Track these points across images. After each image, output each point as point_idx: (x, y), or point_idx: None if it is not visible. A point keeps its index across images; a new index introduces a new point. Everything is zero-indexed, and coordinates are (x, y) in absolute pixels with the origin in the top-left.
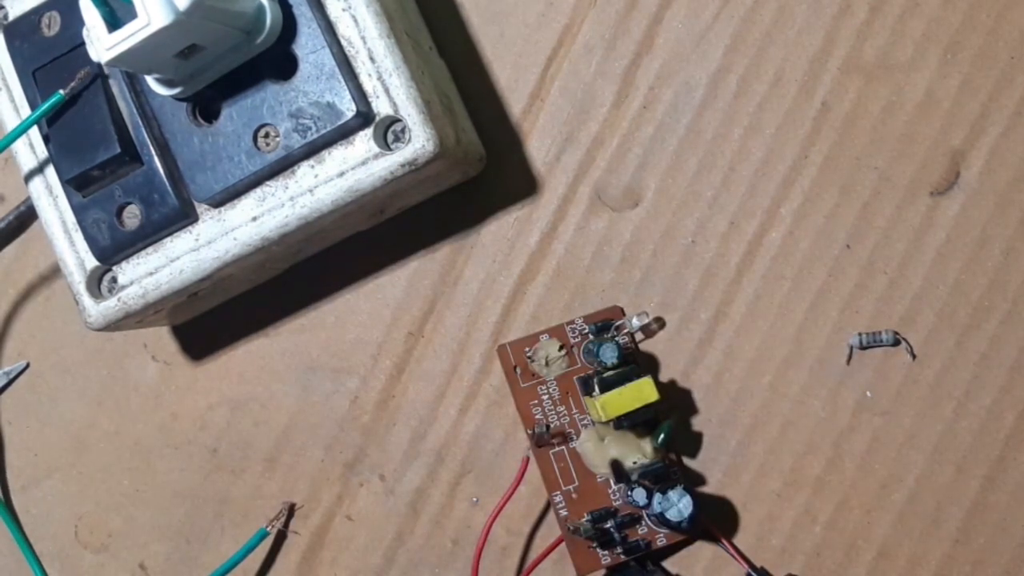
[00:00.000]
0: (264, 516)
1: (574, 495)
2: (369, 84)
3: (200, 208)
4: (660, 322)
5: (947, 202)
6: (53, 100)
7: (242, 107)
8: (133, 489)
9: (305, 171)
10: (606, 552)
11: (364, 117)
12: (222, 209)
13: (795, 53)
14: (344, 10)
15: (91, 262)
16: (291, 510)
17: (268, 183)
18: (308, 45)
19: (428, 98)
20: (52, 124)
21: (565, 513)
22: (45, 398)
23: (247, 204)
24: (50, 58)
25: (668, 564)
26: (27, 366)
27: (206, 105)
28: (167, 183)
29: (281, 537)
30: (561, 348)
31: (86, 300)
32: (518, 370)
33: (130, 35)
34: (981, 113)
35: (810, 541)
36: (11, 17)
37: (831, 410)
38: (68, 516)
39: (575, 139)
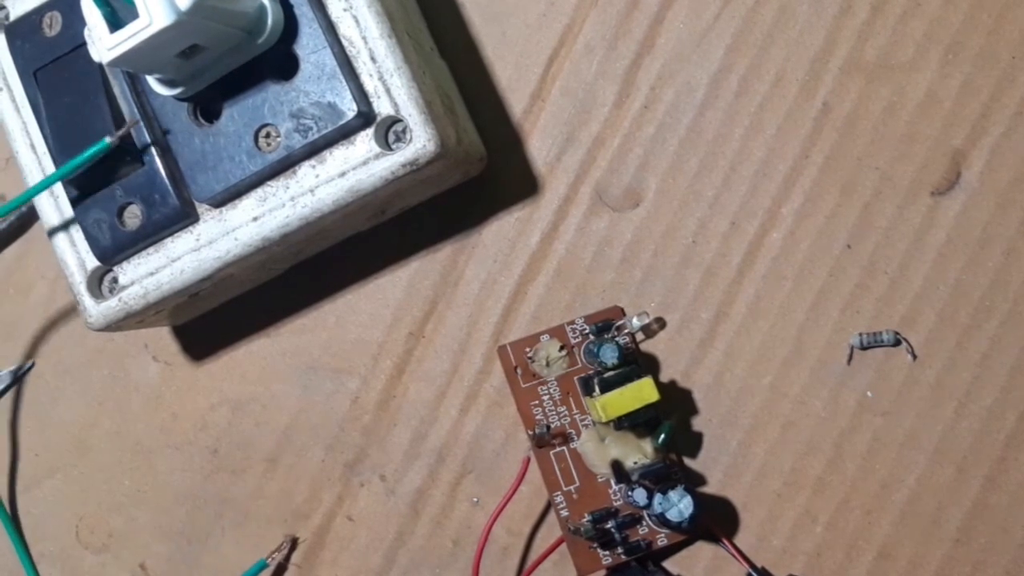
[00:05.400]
0: (265, 516)
1: (575, 495)
2: (370, 84)
3: (201, 208)
4: (661, 322)
5: (948, 202)
6: (98, 147)
7: (243, 107)
8: (134, 489)
9: (306, 171)
10: (607, 552)
11: (365, 117)
12: (223, 209)
13: (796, 53)
14: (345, 10)
15: (92, 262)
16: (293, 544)
17: (269, 183)
18: (309, 45)
19: (429, 98)
20: (53, 124)
21: (566, 513)
22: (46, 398)
23: (248, 204)
24: (51, 58)
25: (669, 564)
26: (32, 365)
27: (207, 105)
28: (168, 183)
29: (281, 570)
30: (562, 348)
31: (87, 300)
32: (519, 370)
33: (132, 35)
34: (982, 113)
35: (811, 541)
36: (12, 17)
37: (832, 410)
38: (69, 516)
39: (576, 139)
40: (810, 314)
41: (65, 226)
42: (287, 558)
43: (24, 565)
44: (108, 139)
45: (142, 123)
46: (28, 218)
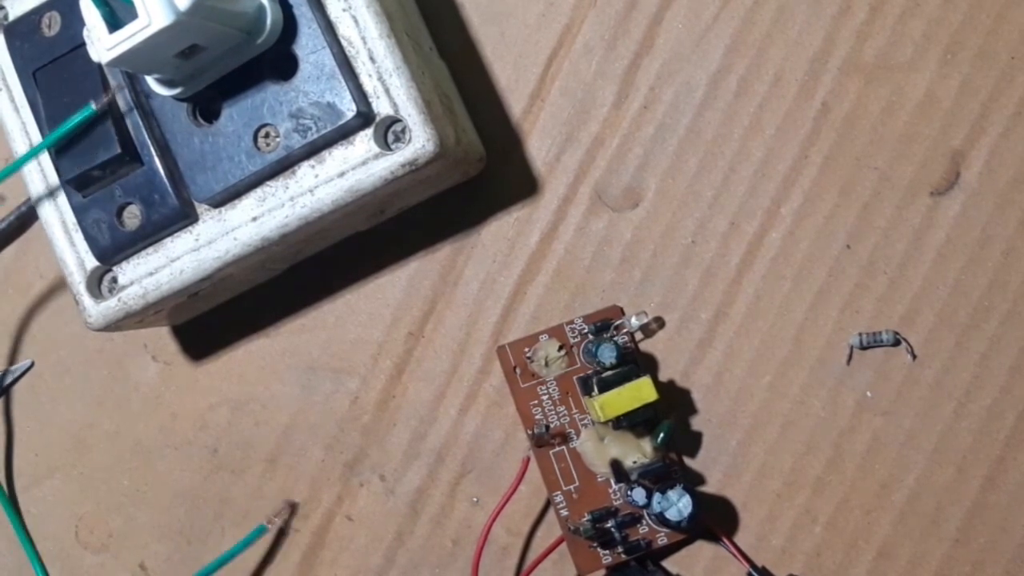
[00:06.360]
0: (265, 516)
1: (574, 495)
2: (369, 84)
3: (200, 208)
4: (659, 322)
5: (947, 202)
6: (84, 113)
7: (242, 107)
8: (133, 489)
9: (305, 171)
10: (607, 552)
11: (364, 117)
12: (222, 209)
13: (795, 53)
14: (344, 10)
15: (91, 262)
16: (293, 509)
17: (268, 183)
18: (308, 45)
19: (428, 98)
20: (52, 124)
21: (566, 513)
22: (45, 398)
23: (247, 204)
24: (50, 58)
25: (668, 564)
26: (31, 365)
27: (206, 105)
28: (167, 183)
29: (281, 535)
30: (561, 348)
31: (86, 300)
32: (518, 370)
33: (131, 35)
34: (981, 113)
35: (810, 541)
36: (11, 17)
37: (831, 410)
38: (68, 516)
39: (575, 139)
40: (809, 314)
41: (64, 226)
42: (287, 523)
43: (32, 563)
44: (93, 104)
45: (141, 123)
46: (27, 218)
